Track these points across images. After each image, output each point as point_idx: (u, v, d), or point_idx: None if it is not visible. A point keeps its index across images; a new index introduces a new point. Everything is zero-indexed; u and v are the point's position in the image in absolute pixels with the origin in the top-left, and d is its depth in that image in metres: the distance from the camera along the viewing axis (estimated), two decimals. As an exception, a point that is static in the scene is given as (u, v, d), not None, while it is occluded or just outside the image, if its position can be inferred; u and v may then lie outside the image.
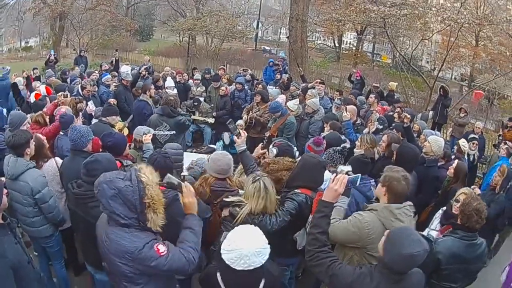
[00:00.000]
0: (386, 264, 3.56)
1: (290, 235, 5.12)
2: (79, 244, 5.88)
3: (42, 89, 10.73)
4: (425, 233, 5.80)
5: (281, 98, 11.01)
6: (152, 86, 10.87)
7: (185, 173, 6.24)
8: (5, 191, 4.03)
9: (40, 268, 6.00)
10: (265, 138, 9.64)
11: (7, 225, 4.09)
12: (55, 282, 6.49)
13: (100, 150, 6.05)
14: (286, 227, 4.75)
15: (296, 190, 4.94)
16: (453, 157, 8.26)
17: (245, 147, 5.81)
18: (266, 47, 42.41)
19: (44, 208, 5.66)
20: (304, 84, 13.50)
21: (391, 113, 10.87)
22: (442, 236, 5.12)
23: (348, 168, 5.57)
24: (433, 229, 6.01)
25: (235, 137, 5.93)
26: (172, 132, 8.34)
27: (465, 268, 4.76)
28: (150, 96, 10.15)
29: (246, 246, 3.34)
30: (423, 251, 3.39)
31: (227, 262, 3.39)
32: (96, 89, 11.85)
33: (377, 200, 4.72)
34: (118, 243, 3.46)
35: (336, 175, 4.11)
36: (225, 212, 4.84)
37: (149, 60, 19.24)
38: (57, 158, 6.35)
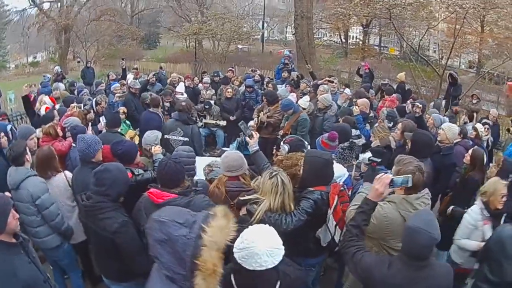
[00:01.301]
0: (404, 250, 3.61)
1: (312, 234, 5.07)
2: (93, 256, 5.77)
3: (47, 100, 10.73)
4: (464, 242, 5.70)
5: (293, 96, 10.96)
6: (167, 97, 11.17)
7: (202, 177, 6.12)
8: (16, 215, 3.98)
9: (55, 282, 6.02)
10: (279, 137, 9.55)
11: (19, 244, 4.00)
12: None
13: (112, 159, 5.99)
14: (306, 226, 4.69)
15: (309, 188, 4.84)
16: (470, 143, 8.13)
17: (258, 147, 5.81)
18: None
19: (45, 215, 5.62)
20: (314, 81, 13.49)
21: (403, 105, 10.86)
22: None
23: (368, 154, 5.57)
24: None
25: (247, 138, 5.92)
26: (185, 139, 8.26)
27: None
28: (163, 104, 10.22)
29: (258, 245, 3.15)
30: (430, 234, 3.44)
31: (238, 260, 3.20)
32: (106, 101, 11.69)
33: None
34: None
35: (381, 175, 4.02)
36: (243, 211, 4.77)
37: (160, 67, 19.25)
38: (67, 172, 6.30)
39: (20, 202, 5.52)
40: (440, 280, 3.64)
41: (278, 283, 3.40)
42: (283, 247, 3.30)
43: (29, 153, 5.77)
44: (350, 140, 6.95)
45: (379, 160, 5.44)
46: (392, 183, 3.95)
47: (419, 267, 3.57)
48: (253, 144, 5.82)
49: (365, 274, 3.84)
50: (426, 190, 4.49)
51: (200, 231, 2.78)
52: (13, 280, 3.77)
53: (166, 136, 8.23)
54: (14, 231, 3.95)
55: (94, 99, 10.94)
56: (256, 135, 5.97)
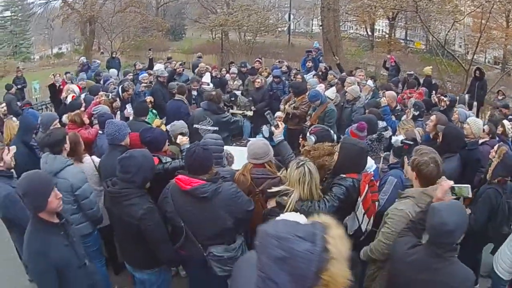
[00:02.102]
0: (429, 238, 3.64)
1: (339, 221, 4.94)
2: (117, 243, 5.82)
3: (74, 88, 10.89)
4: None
5: (320, 87, 11.00)
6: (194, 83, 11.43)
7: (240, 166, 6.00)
8: (59, 194, 4.00)
9: None
10: (306, 127, 9.38)
11: (60, 225, 4.05)
12: None
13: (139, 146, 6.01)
14: (334, 213, 4.51)
15: (342, 175, 4.78)
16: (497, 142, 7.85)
17: (283, 137, 5.80)
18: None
19: (84, 204, 5.66)
20: (342, 74, 13.55)
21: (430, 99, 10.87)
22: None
23: (401, 137, 5.64)
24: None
25: (273, 128, 5.91)
26: (215, 128, 8.21)
27: None
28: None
29: None
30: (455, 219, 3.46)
31: None
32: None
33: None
34: None
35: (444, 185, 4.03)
36: (272, 203, 4.74)
37: (199, 57, 19.39)
38: (94, 157, 6.37)
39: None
40: (454, 281, 3.57)
41: None
42: None
43: (68, 141, 5.76)
44: (378, 132, 6.96)
45: (411, 143, 5.51)
46: (453, 191, 4.03)
47: (438, 256, 3.55)
48: (278, 134, 5.81)
49: (390, 250, 4.01)
50: (444, 178, 4.36)
51: (324, 243, 2.35)
52: (43, 260, 3.85)
53: (195, 125, 8.25)
54: (56, 210, 4.00)
55: (121, 85, 11.05)
56: (281, 125, 5.97)
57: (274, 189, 4.70)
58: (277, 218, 2.46)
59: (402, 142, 5.79)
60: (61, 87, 12.43)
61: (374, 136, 6.66)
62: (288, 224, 2.42)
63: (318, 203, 4.51)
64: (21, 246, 5.37)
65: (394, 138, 6.33)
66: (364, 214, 4.76)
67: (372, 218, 4.83)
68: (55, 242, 3.93)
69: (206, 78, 13.27)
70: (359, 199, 4.74)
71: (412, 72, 15.98)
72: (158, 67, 14.57)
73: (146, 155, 4.73)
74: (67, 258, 3.99)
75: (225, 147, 6.38)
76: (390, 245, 4.27)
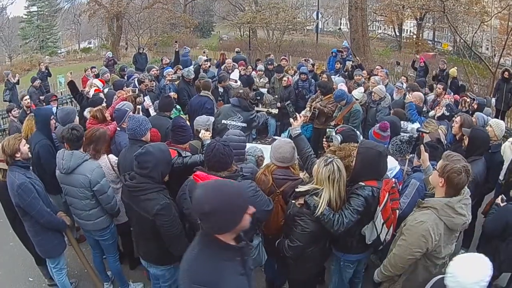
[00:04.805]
0: None
1: (357, 230, 4.85)
2: (134, 237, 5.58)
3: (97, 83, 10.99)
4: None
5: (341, 86, 10.89)
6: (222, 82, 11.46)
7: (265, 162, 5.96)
8: (253, 209, 3.03)
9: (94, 262, 6.23)
10: (331, 127, 9.41)
11: (239, 249, 3.08)
12: (109, 276, 6.65)
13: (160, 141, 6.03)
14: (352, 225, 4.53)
15: (361, 183, 4.65)
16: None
17: (300, 131, 5.65)
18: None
19: (103, 199, 5.68)
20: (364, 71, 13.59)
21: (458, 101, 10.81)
22: None
23: (417, 125, 5.66)
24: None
25: (291, 120, 5.80)
26: (244, 124, 8.22)
27: None
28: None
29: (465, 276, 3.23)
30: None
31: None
32: (154, 84, 11.81)
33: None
34: None
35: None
36: (300, 202, 4.59)
37: (205, 53, 18.85)
38: (111, 156, 6.34)
39: (73, 186, 5.59)
40: None
41: None
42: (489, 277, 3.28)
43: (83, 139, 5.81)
44: (409, 134, 6.69)
45: (427, 131, 5.49)
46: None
47: None
48: (296, 127, 5.65)
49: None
50: (467, 190, 4.25)
51: None
52: None
53: (224, 121, 8.23)
54: (240, 231, 3.10)
55: (136, 78, 11.09)
56: (300, 118, 5.83)
57: (302, 188, 4.63)
58: None
59: (418, 130, 5.78)
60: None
61: (406, 137, 6.34)
62: None
63: (338, 217, 4.42)
64: (33, 235, 5.58)
65: (409, 127, 6.27)
66: (383, 224, 4.65)
67: (392, 227, 4.70)
68: (229, 270, 2.98)
69: (234, 75, 13.24)
70: (378, 208, 4.63)
71: (444, 66, 16.26)
72: (200, 60, 14.97)
73: (163, 149, 4.70)
74: None
75: (260, 147, 6.44)
76: (406, 259, 4.24)
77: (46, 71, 18.87)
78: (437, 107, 9.25)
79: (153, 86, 11.37)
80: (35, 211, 5.28)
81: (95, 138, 5.94)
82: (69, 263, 6.56)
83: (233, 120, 8.28)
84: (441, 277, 3.61)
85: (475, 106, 9.47)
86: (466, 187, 4.20)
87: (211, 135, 6.26)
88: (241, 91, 8.75)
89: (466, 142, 6.58)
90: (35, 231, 5.55)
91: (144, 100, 9.46)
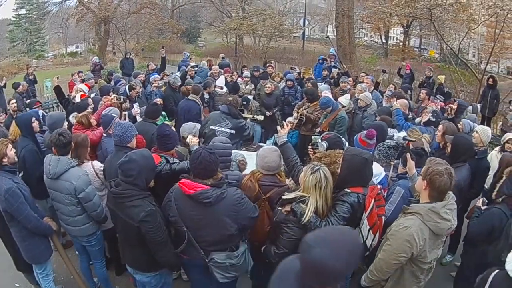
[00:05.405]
0: None
1: None
2: (119, 244, 5.54)
3: (83, 87, 10.85)
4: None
5: (325, 94, 10.82)
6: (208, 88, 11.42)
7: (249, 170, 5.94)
8: None
9: (80, 268, 6.24)
10: (316, 134, 9.21)
11: None
12: (95, 282, 6.62)
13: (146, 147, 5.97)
14: None
15: (346, 190, 4.65)
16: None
17: (286, 139, 5.64)
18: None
19: (88, 206, 5.65)
20: (350, 79, 13.62)
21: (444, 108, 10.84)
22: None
23: (403, 133, 5.66)
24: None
25: (278, 128, 5.80)
26: (232, 131, 8.26)
27: None
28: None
29: None
30: None
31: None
32: (141, 90, 11.66)
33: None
34: None
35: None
36: (286, 209, 4.60)
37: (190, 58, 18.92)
38: (95, 162, 6.27)
39: (60, 192, 5.58)
40: None
41: None
42: None
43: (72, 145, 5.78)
44: (395, 141, 6.67)
45: (413, 140, 5.51)
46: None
47: None
48: (283, 135, 5.65)
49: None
50: (452, 195, 4.27)
51: None
52: None
53: (212, 127, 8.23)
54: None
55: (127, 84, 11.08)
56: (287, 126, 5.84)
57: (289, 195, 4.62)
58: None
59: (404, 138, 5.80)
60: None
61: (393, 143, 6.38)
62: None
63: (324, 224, 4.42)
64: (20, 240, 5.56)
65: (396, 135, 6.27)
66: (369, 230, 4.66)
67: (378, 233, 4.71)
68: None
69: (220, 81, 13.13)
70: (364, 214, 4.64)
71: (430, 74, 16.44)
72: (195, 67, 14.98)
73: (146, 156, 4.67)
74: None
75: (241, 152, 6.42)
76: (391, 263, 4.23)
77: (33, 77, 18.61)
78: (423, 113, 9.26)
79: (139, 92, 11.31)
80: (23, 216, 5.27)
81: (76, 144, 5.90)
82: (55, 269, 6.54)
83: (221, 126, 8.28)
84: (498, 269, 3.77)
85: (455, 107, 9.47)
86: (451, 192, 4.21)
87: (198, 140, 6.27)
88: (230, 98, 8.80)
89: (449, 149, 6.62)
90: (22, 236, 5.54)
91: (132, 107, 9.45)
